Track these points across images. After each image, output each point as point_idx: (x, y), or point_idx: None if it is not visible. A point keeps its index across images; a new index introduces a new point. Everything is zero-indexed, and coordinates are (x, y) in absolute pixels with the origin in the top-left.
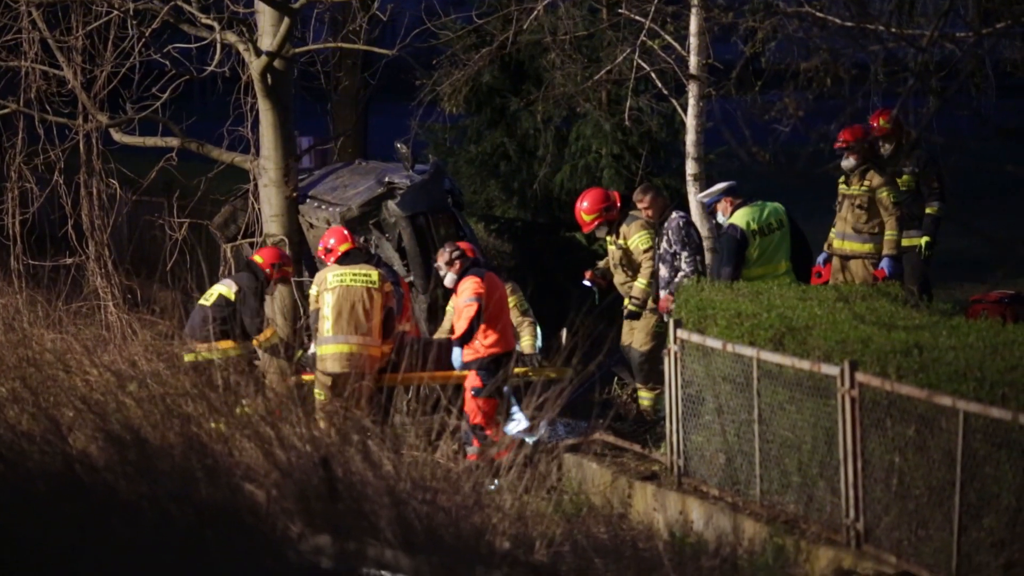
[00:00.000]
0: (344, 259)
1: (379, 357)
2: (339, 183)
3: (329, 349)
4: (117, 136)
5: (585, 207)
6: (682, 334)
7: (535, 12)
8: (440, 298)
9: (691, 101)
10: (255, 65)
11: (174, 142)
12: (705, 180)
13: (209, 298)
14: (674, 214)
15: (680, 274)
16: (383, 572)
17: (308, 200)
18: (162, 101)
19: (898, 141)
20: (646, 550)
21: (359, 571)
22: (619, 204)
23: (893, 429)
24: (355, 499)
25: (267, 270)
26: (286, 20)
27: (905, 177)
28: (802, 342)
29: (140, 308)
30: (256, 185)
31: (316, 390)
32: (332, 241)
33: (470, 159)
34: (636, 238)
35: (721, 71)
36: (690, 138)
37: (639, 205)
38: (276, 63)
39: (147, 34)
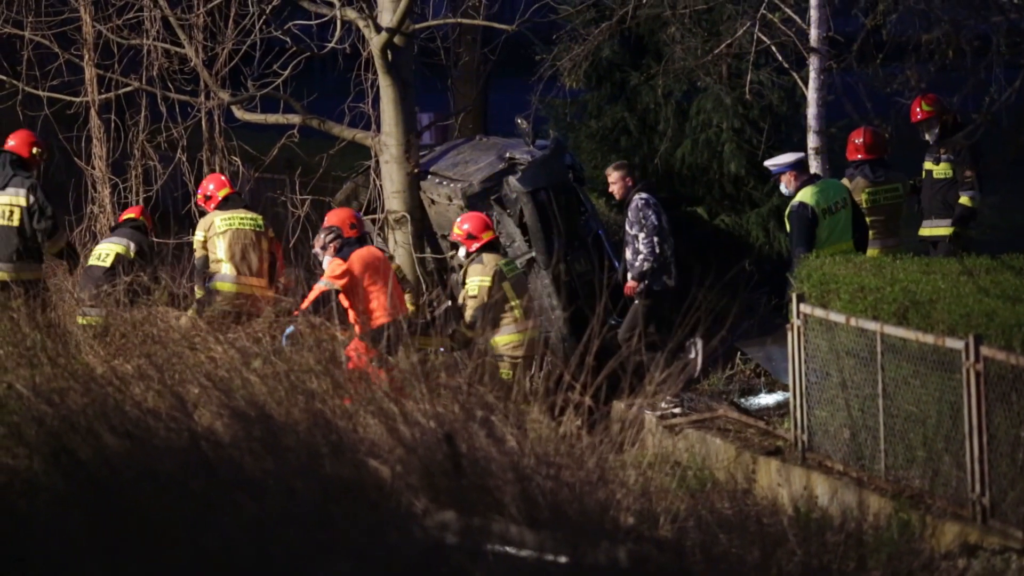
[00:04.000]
0: (225, 204)
1: (268, 300)
2: (460, 159)
3: (229, 287)
4: (239, 113)
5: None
6: (805, 308)
7: None
8: (563, 273)
9: (812, 74)
10: (375, 41)
11: (296, 119)
12: (827, 154)
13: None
14: (636, 196)
15: (639, 256)
16: (507, 548)
17: (429, 176)
18: (283, 78)
19: (942, 126)
20: (771, 525)
21: (483, 547)
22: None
23: (1019, 403)
24: (479, 475)
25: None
26: None
27: (943, 165)
28: (926, 316)
29: None
30: (377, 162)
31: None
32: (211, 187)
33: (590, 134)
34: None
35: (842, 44)
36: (811, 111)
37: (608, 180)
38: (396, 39)
39: (267, 11)
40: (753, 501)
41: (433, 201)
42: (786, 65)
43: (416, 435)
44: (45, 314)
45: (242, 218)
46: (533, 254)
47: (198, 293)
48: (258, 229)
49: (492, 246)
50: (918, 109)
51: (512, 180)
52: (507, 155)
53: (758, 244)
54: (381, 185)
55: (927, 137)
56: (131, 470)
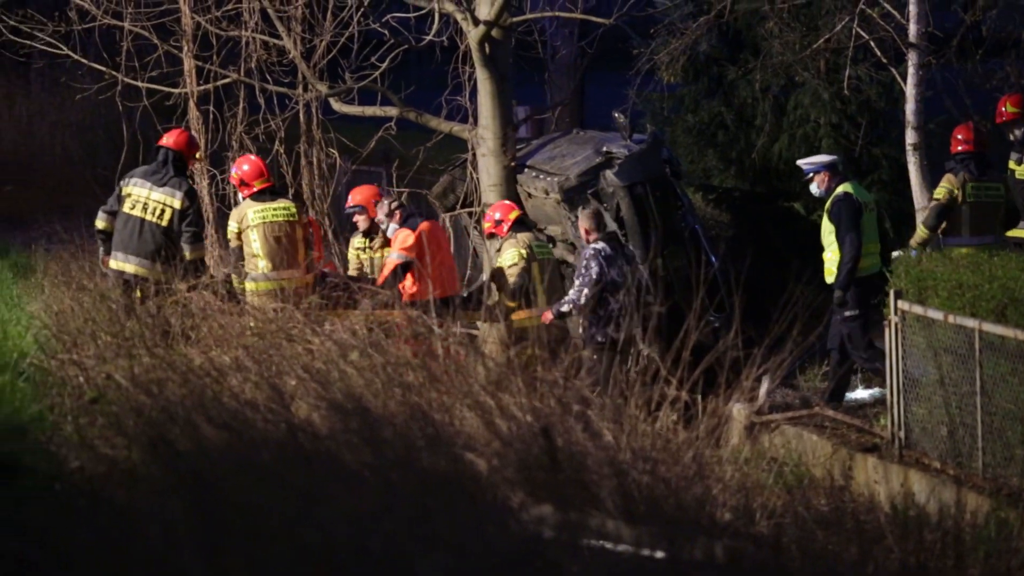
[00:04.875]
0: (260, 195)
1: (305, 289)
2: (557, 153)
3: (267, 285)
4: (336, 106)
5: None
6: (903, 305)
7: None
8: (660, 268)
9: (911, 70)
10: (473, 34)
11: (393, 111)
12: (924, 150)
13: None
14: (590, 247)
15: (564, 299)
16: (604, 543)
17: (526, 170)
18: (381, 71)
19: None
20: (868, 522)
21: (580, 542)
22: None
23: None
24: (575, 469)
25: None
26: None
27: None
28: None
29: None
30: (474, 155)
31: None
32: (245, 168)
33: (687, 128)
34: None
35: (941, 39)
36: (910, 107)
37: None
38: (494, 32)
39: (366, 3)
40: (850, 498)
41: (530, 195)
42: (884, 61)
43: (513, 429)
44: (144, 305)
45: (275, 209)
46: (631, 248)
47: (235, 283)
48: (292, 219)
49: (523, 224)
50: (1003, 109)
51: (609, 174)
52: (604, 149)
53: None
54: (478, 178)
55: (1012, 137)
56: (229, 462)
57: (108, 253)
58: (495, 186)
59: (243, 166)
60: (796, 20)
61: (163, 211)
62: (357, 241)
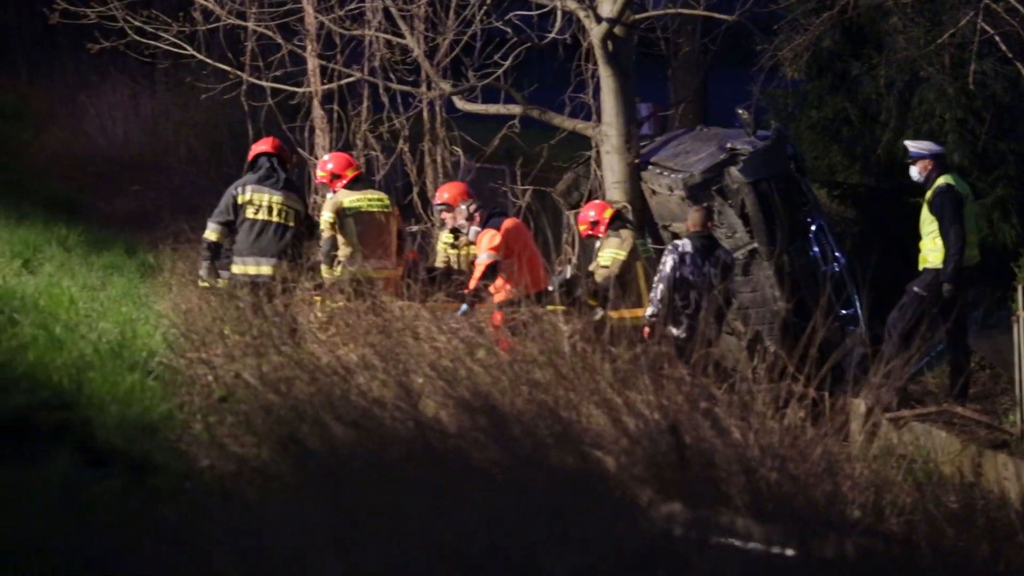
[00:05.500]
0: (354, 184)
1: (397, 279)
2: (680, 149)
3: (363, 274)
4: (460, 104)
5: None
6: None
7: None
8: (786, 264)
9: None
10: (596, 32)
11: (516, 109)
12: None
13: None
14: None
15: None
16: (733, 540)
17: (650, 167)
18: (504, 69)
19: None
20: (999, 520)
21: (709, 539)
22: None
23: None
24: (704, 466)
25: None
26: None
27: None
28: None
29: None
30: (598, 152)
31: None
32: (331, 166)
33: (811, 124)
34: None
35: None
36: None
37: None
38: (616, 29)
39: (488, 1)
40: (980, 495)
41: (654, 191)
42: (1010, 55)
43: (640, 426)
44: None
45: (370, 199)
46: (755, 245)
47: (325, 274)
48: (385, 210)
49: (624, 220)
50: None
51: (734, 171)
52: (728, 146)
53: (982, 235)
54: (602, 175)
55: None
56: (359, 460)
57: (212, 262)
58: (619, 183)
59: (329, 162)
60: (920, 15)
61: (288, 212)
62: (445, 236)
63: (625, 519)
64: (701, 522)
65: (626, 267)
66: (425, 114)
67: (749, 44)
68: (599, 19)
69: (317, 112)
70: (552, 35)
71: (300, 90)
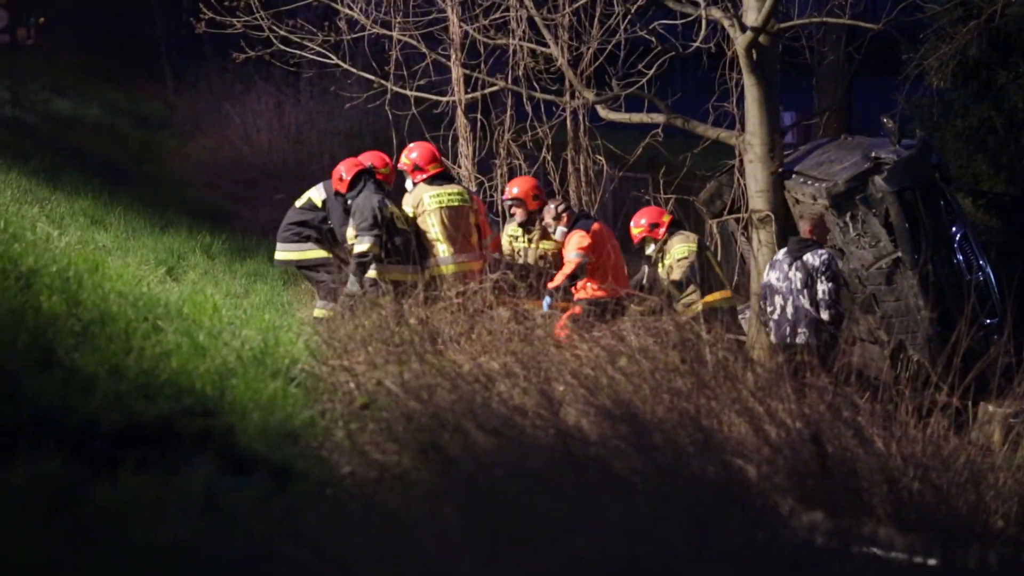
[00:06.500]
0: (433, 179)
1: (480, 272)
2: (824, 158)
3: (450, 269)
4: (603, 113)
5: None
6: None
7: None
8: (930, 274)
9: None
10: (740, 41)
11: (659, 118)
12: None
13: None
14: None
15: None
16: (875, 550)
17: (794, 175)
18: (648, 78)
19: None
20: None
21: (852, 549)
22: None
23: None
24: (846, 476)
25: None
26: None
27: None
28: None
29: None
30: (742, 161)
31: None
32: (415, 156)
33: (956, 133)
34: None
35: None
36: None
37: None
38: (761, 38)
39: (632, 10)
40: None
41: (797, 200)
42: None
43: (782, 435)
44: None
45: (450, 194)
46: (899, 254)
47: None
48: (466, 203)
49: (680, 226)
50: None
51: (878, 180)
52: (873, 155)
53: None
54: (745, 184)
55: None
56: (500, 467)
57: (360, 273)
58: (762, 192)
59: (413, 152)
60: None
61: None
62: (511, 229)
63: (766, 528)
64: (843, 531)
65: (699, 258)
66: (568, 123)
67: (894, 52)
68: (744, 28)
69: (461, 121)
70: (696, 44)
71: (444, 99)
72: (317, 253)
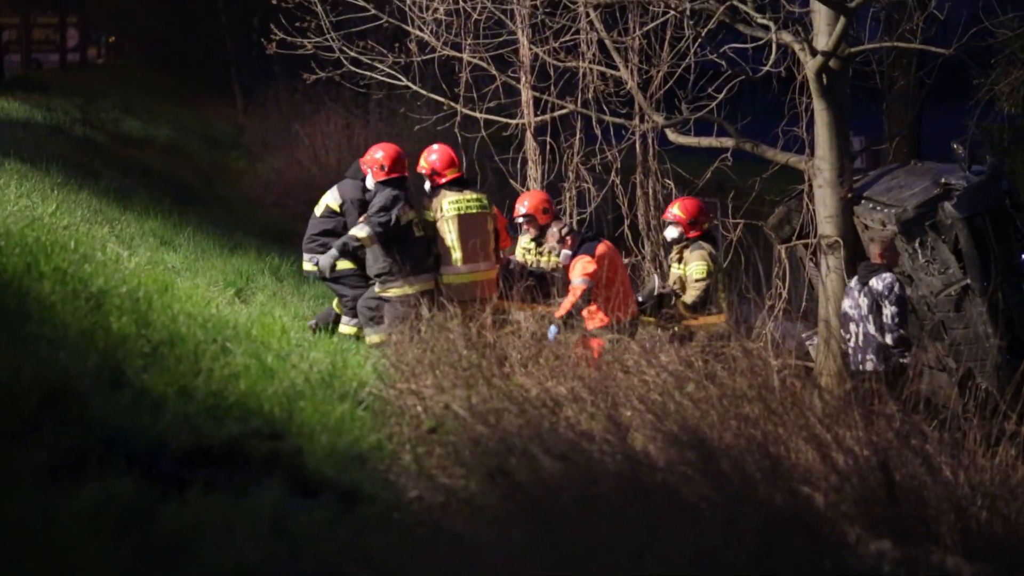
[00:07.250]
0: (452, 185)
1: (494, 282)
2: (894, 184)
3: (462, 279)
4: (672, 136)
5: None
6: None
7: None
8: (1000, 301)
9: None
10: (810, 65)
11: (729, 142)
12: None
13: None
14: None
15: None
16: None
17: (863, 201)
18: (717, 101)
19: None
20: None
21: None
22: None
23: None
24: (914, 504)
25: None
26: (842, 19)
27: None
28: None
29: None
30: (811, 186)
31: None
32: (434, 158)
33: None
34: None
35: None
36: None
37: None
38: (831, 63)
39: (703, 34)
40: None
41: (867, 226)
42: None
43: (849, 462)
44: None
45: (469, 201)
46: (968, 281)
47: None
48: (484, 210)
49: (709, 237)
50: None
51: (947, 206)
52: (943, 180)
53: None
54: (814, 209)
55: None
56: (567, 493)
57: (341, 251)
58: (831, 217)
59: (432, 155)
60: None
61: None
62: (525, 240)
63: (834, 556)
64: (911, 560)
65: (712, 280)
66: (638, 146)
67: (965, 78)
68: (814, 52)
69: (530, 143)
70: (766, 68)
71: (513, 121)
72: (341, 265)
